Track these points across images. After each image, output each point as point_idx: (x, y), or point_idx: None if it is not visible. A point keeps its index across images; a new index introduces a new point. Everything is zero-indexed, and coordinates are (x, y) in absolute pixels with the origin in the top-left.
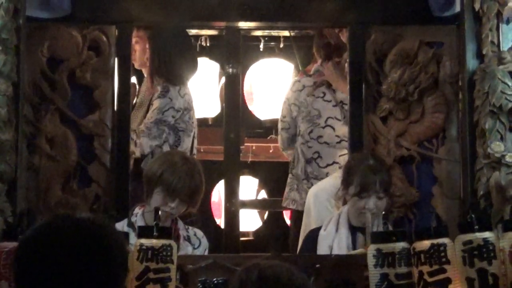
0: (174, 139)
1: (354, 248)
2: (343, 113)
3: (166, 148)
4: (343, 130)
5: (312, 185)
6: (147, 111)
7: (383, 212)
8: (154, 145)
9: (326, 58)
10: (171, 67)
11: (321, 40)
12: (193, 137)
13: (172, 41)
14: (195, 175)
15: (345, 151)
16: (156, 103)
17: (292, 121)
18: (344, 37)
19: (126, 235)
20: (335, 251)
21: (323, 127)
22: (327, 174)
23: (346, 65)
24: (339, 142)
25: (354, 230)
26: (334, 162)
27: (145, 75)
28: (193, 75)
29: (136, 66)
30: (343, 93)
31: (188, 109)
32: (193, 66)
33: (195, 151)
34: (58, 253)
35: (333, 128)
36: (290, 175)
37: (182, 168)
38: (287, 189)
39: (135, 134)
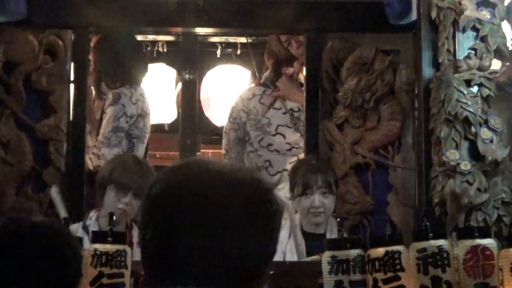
0: (128, 146)
1: (308, 253)
2: (294, 121)
3: None
4: (293, 137)
5: None
6: (100, 120)
7: (338, 219)
8: (116, 153)
9: (276, 72)
10: (121, 70)
11: (271, 51)
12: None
13: (119, 45)
14: (146, 172)
15: (295, 158)
16: (109, 111)
17: (242, 124)
18: (292, 48)
19: (80, 239)
20: (288, 257)
21: (274, 135)
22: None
23: (300, 75)
24: (289, 150)
25: (307, 235)
26: (284, 170)
27: None
28: (144, 76)
29: None
30: (299, 104)
31: (142, 115)
32: (144, 66)
33: (146, 157)
34: (12, 256)
35: (284, 136)
36: None
37: (132, 165)
38: None
39: (95, 148)
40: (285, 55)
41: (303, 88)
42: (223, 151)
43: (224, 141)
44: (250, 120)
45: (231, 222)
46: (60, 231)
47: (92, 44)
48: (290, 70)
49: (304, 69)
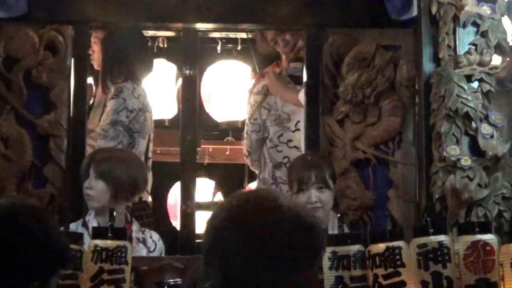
0: (129, 140)
1: None
2: None
3: None
4: None
5: (281, 190)
6: (102, 113)
7: (339, 215)
8: (112, 146)
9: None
10: (126, 66)
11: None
12: (149, 139)
13: (126, 41)
14: (113, 158)
15: None
16: (110, 104)
17: (262, 123)
18: (279, 47)
19: (80, 235)
20: None
21: (293, 131)
22: None
23: (294, 74)
24: None
25: None
26: None
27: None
28: (148, 74)
29: (96, 66)
30: (286, 103)
31: (143, 110)
32: (148, 64)
33: (150, 154)
34: None
35: None
36: (257, 180)
37: (98, 152)
38: None
39: (91, 138)
40: (268, 53)
41: (292, 85)
42: (245, 152)
43: (246, 142)
44: (271, 116)
45: (279, 253)
46: (36, 214)
47: (99, 38)
48: (276, 69)
49: (305, 64)
